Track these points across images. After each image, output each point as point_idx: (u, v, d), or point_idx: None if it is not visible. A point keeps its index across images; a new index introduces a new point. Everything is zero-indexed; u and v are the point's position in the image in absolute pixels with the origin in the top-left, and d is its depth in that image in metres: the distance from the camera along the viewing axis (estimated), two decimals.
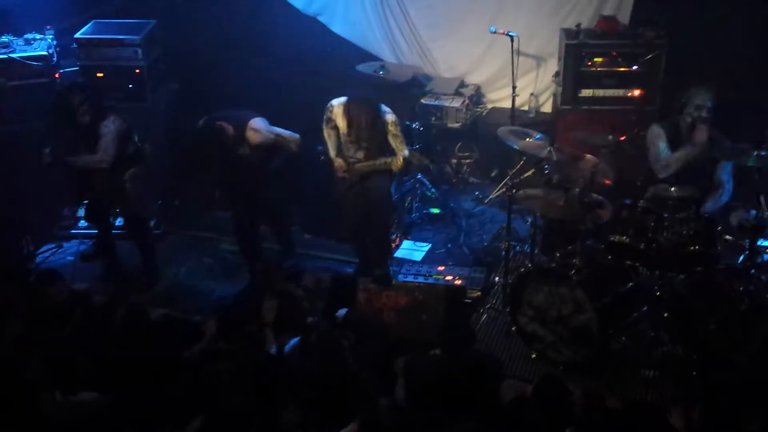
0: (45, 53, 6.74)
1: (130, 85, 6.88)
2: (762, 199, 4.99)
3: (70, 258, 6.67)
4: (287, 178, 6.47)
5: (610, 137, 5.69)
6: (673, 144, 5.63)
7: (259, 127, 5.84)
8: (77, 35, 6.89)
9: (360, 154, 5.86)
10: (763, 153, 4.83)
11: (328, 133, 5.97)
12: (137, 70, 6.86)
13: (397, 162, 5.79)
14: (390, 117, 5.76)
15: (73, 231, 6.99)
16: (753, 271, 5.06)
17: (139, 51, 6.82)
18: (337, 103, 5.85)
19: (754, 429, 4.15)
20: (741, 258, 5.31)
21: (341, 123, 5.84)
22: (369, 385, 4.52)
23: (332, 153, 5.98)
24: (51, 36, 6.91)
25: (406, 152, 5.82)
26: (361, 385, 4.47)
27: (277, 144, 5.93)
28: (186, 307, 6.05)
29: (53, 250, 6.76)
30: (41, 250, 6.74)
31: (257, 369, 4.47)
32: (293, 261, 6.36)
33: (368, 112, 5.70)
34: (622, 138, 5.73)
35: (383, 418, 4.11)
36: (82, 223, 7.00)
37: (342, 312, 5.37)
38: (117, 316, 5.21)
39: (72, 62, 7.02)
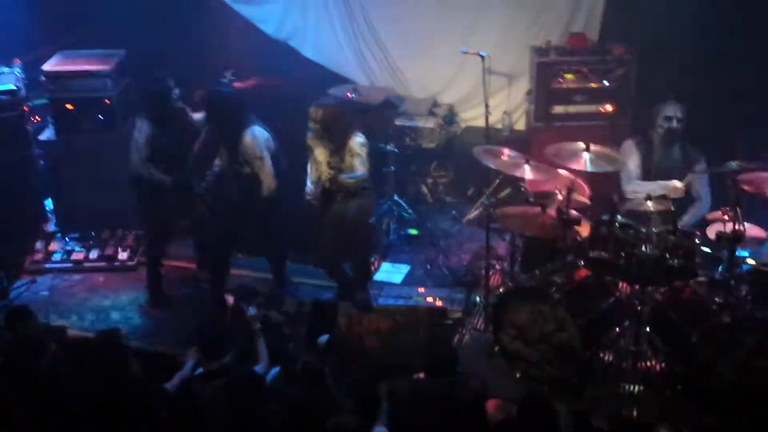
0: (13, 87, 6.65)
1: (100, 116, 6.81)
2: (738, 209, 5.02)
3: (44, 293, 6.55)
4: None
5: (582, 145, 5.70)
6: (646, 160, 5.69)
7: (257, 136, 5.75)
8: (44, 67, 6.81)
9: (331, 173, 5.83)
10: (734, 165, 4.87)
11: (310, 165, 5.95)
12: (107, 101, 6.80)
13: (345, 180, 5.74)
14: (357, 139, 5.73)
15: (47, 265, 6.87)
16: (732, 282, 5.08)
17: (109, 81, 6.77)
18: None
19: None
20: (720, 269, 5.34)
21: (318, 150, 5.83)
22: (352, 413, 4.48)
23: (308, 183, 5.94)
24: (19, 69, 6.82)
25: (360, 173, 5.73)
26: (344, 412, 4.42)
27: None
28: (163, 339, 5.95)
29: (27, 285, 6.63)
30: (15, 285, 6.60)
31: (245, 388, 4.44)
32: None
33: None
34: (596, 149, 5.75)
35: None
36: (56, 256, 6.89)
37: (323, 338, 5.31)
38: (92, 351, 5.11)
39: (40, 94, 6.94)
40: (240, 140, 5.71)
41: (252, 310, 5.35)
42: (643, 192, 5.32)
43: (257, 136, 5.74)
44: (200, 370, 4.81)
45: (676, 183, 5.48)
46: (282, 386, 4.77)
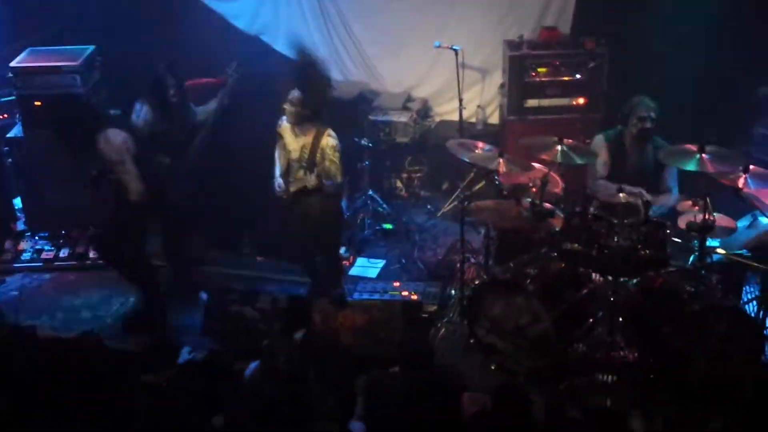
0: None
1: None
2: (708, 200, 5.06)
3: (13, 293, 6.46)
4: (237, 200, 6.37)
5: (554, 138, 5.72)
6: (615, 155, 5.72)
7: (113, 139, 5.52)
8: (13, 64, 6.71)
9: (300, 173, 5.77)
10: (705, 156, 4.91)
11: (278, 153, 5.91)
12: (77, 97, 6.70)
13: (310, 180, 5.67)
14: (330, 141, 5.64)
15: (15, 264, 6.77)
16: (703, 272, 5.13)
17: (78, 77, 6.66)
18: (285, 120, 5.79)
19: (716, 427, 4.19)
20: (691, 259, 5.39)
21: (288, 139, 5.78)
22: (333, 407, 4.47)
23: (277, 173, 5.90)
24: None
25: (338, 180, 5.69)
26: (325, 406, 4.41)
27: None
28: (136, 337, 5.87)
29: None
30: None
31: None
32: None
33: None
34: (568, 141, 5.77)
35: None
36: (25, 255, 6.80)
37: (299, 334, 5.29)
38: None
39: (8, 92, 6.84)
40: (95, 145, 5.48)
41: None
42: (607, 195, 5.35)
43: (111, 139, 5.47)
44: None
45: (644, 194, 5.35)
46: (261, 382, 4.75)
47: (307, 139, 5.68)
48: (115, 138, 5.49)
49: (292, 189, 5.79)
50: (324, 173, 5.66)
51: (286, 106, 5.67)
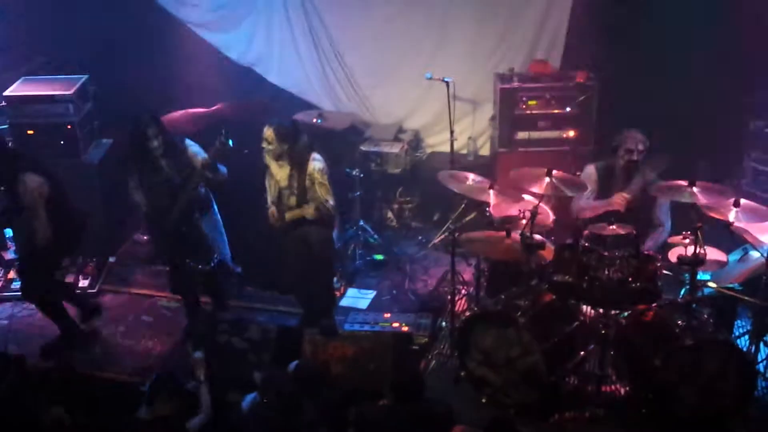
0: None
1: (62, 141, 6.72)
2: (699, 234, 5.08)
3: (3, 321, 6.41)
4: (228, 230, 6.36)
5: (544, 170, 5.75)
6: (605, 185, 5.75)
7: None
8: (6, 93, 6.73)
9: (292, 200, 5.80)
10: (695, 190, 4.93)
11: (268, 182, 5.92)
12: (69, 126, 6.72)
13: (308, 210, 5.70)
14: (316, 165, 5.68)
15: (6, 293, 6.72)
16: (695, 305, 5.13)
17: (71, 106, 6.69)
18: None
19: None
20: (682, 293, 5.39)
21: (274, 168, 5.80)
22: None
23: (269, 200, 5.92)
24: None
25: (330, 203, 5.72)
26: None
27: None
28: (125, 368, 5.86)
29: None
30: None
31: None
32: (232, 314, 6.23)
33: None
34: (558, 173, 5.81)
35: None
36: (16, 284, 6.75)
37: (293, 365, 5.25)
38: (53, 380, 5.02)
39: (2, 120, 6.84)
40: (14, 187, 5.50)
41: (198, 354, 5.21)
42: (590, 213, 5.50)
43: (27, 183, 5.47)
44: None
45: (623, 194, 5.55)
46: (260, 413, 4.71)
47: (291, 169, 5.71)
48: (31, 183, 5.48)
49: (288, 217, 5.79)
50: (315, 200, 5.68)
51: (264, 146, 5.70)
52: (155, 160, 5.67)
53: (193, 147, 5.79)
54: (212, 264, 5.98)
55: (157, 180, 5.71)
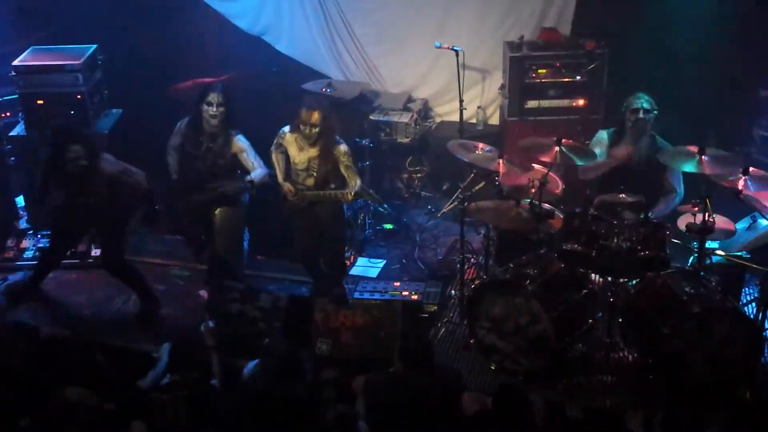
0: None
1: (72, 111, 6.73)
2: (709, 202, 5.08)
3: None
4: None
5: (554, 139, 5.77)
6: (616, 150, 5.77)
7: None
8: (15, 62, 6.73)
9: (309, 181, 5.82)
10: (705, 158, 4.93)
11: (276, 158, 5.94)
12: (78, 96, 6.72)
13: (347, 196, 5.73)
14: (342, 147, 5.72)
15: (18, 263, 6.78)
16: (703, 273, 5.15)
17: (80, 76, 6.68)
18: (290, 131, 5.81)
19: (715, 429, 4.20)
20: (690, 261, 5.41)
21: (293, 151, 5.80)
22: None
23: (280, 177, 5.95)
24: None
25: (359, 183, 5.77)
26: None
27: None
28: (137, 336, 5.92)
29: None
30: None
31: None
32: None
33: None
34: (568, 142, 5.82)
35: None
36: (28, 253, 6.82)
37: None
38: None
39: (11, 90, 6.85)
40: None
41: (209, 324, 5.26)
42: (593, 171, 5.62)
43: (136, 175, 5.76)
44: (167, 379, 4.78)
45: (626, 146, 5.69)
46: (260, 380, 4.76)
47: (313, 152, 5.73)
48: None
49: (317, 197, 5.80)
50: (340, 180, 5.76)
51: (305, 130, 5.65)
52: (205, 131, 5.84)
53: (242, 141, 5.93)
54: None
55: (195, 153, 5.87)
